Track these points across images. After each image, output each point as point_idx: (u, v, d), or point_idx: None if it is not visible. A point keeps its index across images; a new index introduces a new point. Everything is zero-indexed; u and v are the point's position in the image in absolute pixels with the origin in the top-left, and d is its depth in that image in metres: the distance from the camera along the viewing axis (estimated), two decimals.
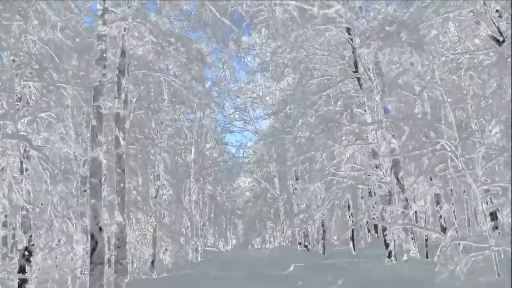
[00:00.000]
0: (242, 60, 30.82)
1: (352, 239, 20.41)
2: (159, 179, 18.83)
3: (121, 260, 10.82)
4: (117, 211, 10.78)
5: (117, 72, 11.62)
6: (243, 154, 36.37)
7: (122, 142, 11.08)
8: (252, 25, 25.54)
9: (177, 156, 28.06)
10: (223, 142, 33.65)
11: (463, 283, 6.97)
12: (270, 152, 27.87)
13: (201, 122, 29.22)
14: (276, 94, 26.40)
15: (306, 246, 25.24)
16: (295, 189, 24.28)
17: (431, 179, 10.80)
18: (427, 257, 11.97)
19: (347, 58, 15.64)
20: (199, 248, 27.03)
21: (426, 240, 12.75)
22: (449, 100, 8.05)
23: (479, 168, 7.85)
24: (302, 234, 26.50)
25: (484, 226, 11.87)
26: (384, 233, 12.51)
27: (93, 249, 8.22)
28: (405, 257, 10.86)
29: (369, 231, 28.50)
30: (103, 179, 8.70)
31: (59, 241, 8.79)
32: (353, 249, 20.04)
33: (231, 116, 32.06)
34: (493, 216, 13.62)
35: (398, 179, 11.83)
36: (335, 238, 32.33)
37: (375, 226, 28.59)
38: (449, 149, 7.82)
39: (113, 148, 11.27)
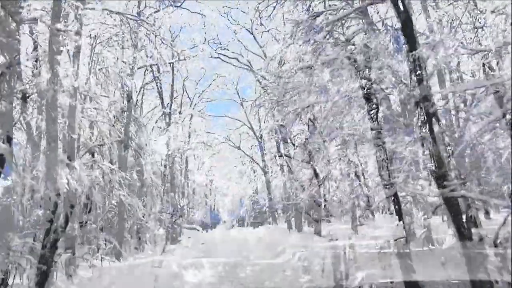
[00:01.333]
0: (225, 15, 27.27)
1: (353, 216, 17.66)
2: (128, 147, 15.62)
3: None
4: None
5: None
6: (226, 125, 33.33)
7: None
8: None
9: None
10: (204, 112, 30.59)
11: None
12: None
13: (179, 86, 25.97)
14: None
15: (298, 226, 22.47)
16: (289, 160, 21.27)
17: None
18: (469, 238, 9.17)
19: None
20: (177, 228, 23.98)
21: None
22: None
23: None
24: (293, 212, 23.52)
25: None
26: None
27: None
28: (447, 241, 7.97)
29: (367, 208, 25.86)
30: None
31: None
32: (355, 229, 17.30)
33: (213, 82, 28.75)
34: None
35: (433, 132, 8.87)
36: (327, 216, 29.68)
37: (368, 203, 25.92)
38: None
39: None
